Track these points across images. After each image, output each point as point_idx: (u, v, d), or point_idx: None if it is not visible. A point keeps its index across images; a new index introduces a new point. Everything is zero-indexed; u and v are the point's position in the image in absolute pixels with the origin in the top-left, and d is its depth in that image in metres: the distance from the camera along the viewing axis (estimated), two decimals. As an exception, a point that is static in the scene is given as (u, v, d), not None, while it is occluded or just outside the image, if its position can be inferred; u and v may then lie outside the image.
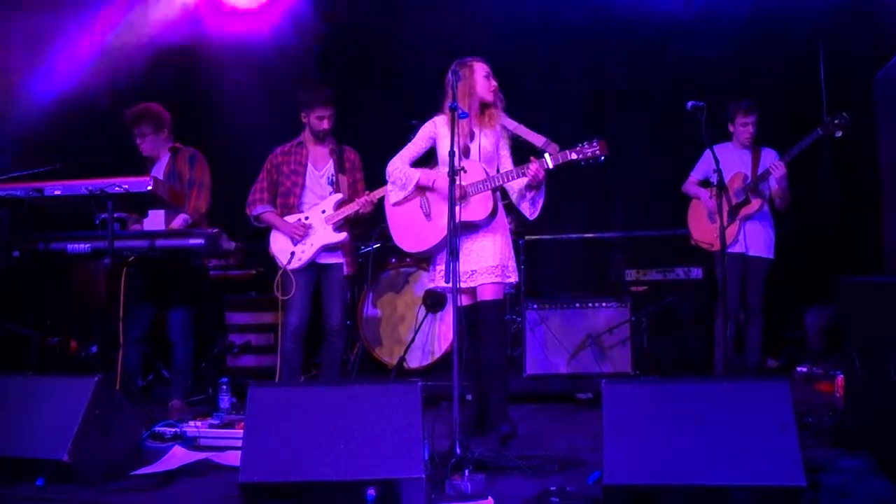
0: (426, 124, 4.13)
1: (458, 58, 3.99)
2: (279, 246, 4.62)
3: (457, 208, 3.47)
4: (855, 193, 5.72)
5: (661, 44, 6.13)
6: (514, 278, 4.05)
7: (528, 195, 3.96)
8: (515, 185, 3.99)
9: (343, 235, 4.58)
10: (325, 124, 4.58)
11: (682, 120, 4.24)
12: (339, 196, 4.61)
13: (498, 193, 4.02)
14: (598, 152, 3.74)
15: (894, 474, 2.93)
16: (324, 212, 4.60)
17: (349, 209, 4.56)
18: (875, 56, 4.34)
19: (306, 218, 4.60)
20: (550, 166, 3.80)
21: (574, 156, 3.77)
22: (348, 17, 6.41)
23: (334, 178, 4.63)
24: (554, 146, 3.84)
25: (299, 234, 4.55)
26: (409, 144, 4.16)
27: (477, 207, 3.90)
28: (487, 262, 3.94)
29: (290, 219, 4.61)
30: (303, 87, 4.67)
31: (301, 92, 4.64)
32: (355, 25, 6.43)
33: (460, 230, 3.69)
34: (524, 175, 3.84)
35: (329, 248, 4.60)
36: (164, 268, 4.57)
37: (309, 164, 4.64)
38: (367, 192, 4.58)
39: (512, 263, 4.06)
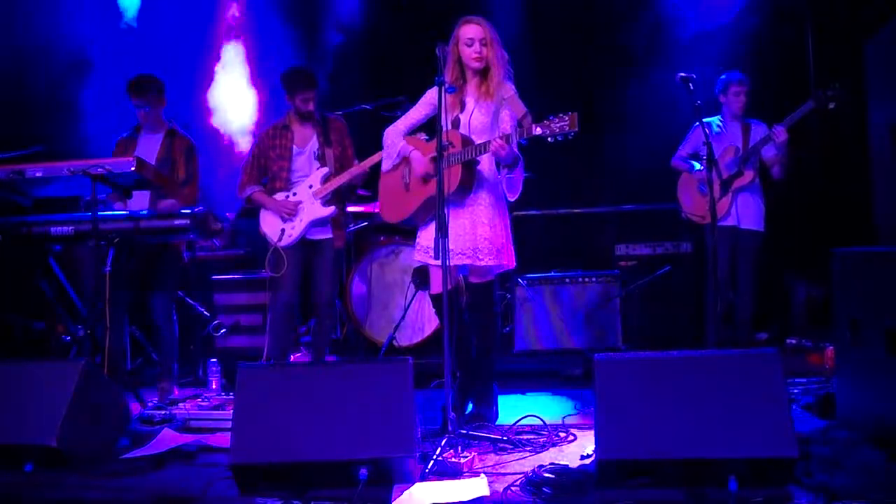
0: (429, 91, 3.92)
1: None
2: (269, 224, 4.62)
3: (433, 182, 3.34)
4: (842, 163, 5.72)
5: (651, 15, 6.08)
6: (488, 260, 3.76)
7: (502, 173, 3.73)
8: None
9: (331, 209, 4.57)
10: (310, 105, 4.60)
11: (672, 92, 4.20)
12: (326, 170, 4.58)
13: (478, 169, 3.78)
14: (566, 127, 3.35)
15: (884, 445, 2.95)
16: (311, 187, 4.58)
17: (337, 182, 4.55)
18: (864, 23, 4.31)
19: (294, 194, 4.59)
20: (514, 141, 3.53)
21: (539, 130, 3.41)
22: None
23: (319, 152, 4.62)
24: (528, 119, 3.54)
25: (288, 211, 4.53)
26: (410, 111, 4.01)
27: (445, 181, 3.57)
28: (460, 242, 3.72)
29: (279, 197, 4.59)
30: (286, 71, 4.66)
31: (284, 76, 4.64)
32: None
33: (433, 204, 3.55)
34: (489, 150, 3.59)
35: (318, 223, 4.57)
36: (148, 250, 4.53)
37: (294, 147, 4.63)
38: (356, 162, 4.56)
39: (489, 245, 3.76)
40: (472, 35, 3.75)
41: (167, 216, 4.30)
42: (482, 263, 3.77)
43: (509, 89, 3.72)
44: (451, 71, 3.79)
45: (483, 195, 3.82)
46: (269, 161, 4.65)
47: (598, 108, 5.96)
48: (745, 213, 4.89)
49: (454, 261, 3.70)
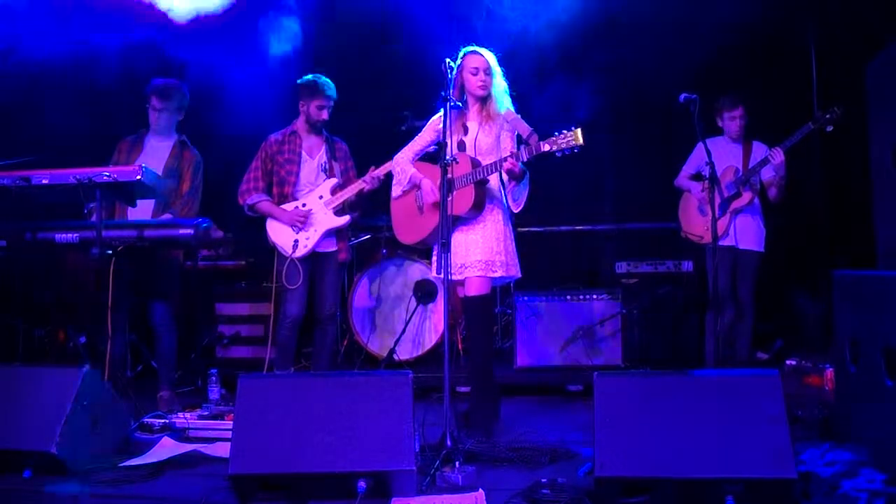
0: (434, 117, 4.11)
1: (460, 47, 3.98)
2: (280, 235, 4.59)
3: (448, 204, 3.47)
4: (845, 185, 5.73)
5: (651, 36, 6.11)
6: (501, 272, 3.92)
7: (509, 187, 3.92)
8: (506, 178, 3.94)
9: (346, 219, 4.59)
10: (325, 114, 4.59)
11: (674, 113, 4.23)
12: (335, 181, 4.60)
13: (487, 187, 3.96)
14: (572, 142, 3.54)
15: (884, 467, 2.94)
16: (321, 197, 4.58)
17: (350, 191, 4.57)
18: (866, 46, 4.34)
19: (304, 205, 4.58)
20: (524, 159, 3.72)
21: (547, 147, 3.61)
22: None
23: (327, 164, 4.63)
24: (534, 137, 3.72)
25: (300, 221, 4.52)
26: (417, 137, 4.18)
27: (459, 201, 3.86)
28: (473, 255, 3.91)
29: (287, 207, 4.59)
30: (303, 79, 4.62)
31: (302, 83, 4.60)
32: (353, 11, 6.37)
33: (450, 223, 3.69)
34: (501, 169, 3.80)
35: (331, 234, 4.58)
36: (150, 259, 4.54)
37: (303, 153, 4.63)
38: (372, 168, 4.57)
39: (502, 258, 3.94)
40: (476, 65, 3.95)
41: (170, 225, 4.31)
42: (496, 275, 3.92)
43: (511, 112, 3.93)
44: (455, 96, 3.94)
45: (494, 211, 3.99)
46: (276, 166, 4.62)
47: (600, 125, 5.97)
48: (743, 233, 4.91)
49: (466, 274, 3.92)
